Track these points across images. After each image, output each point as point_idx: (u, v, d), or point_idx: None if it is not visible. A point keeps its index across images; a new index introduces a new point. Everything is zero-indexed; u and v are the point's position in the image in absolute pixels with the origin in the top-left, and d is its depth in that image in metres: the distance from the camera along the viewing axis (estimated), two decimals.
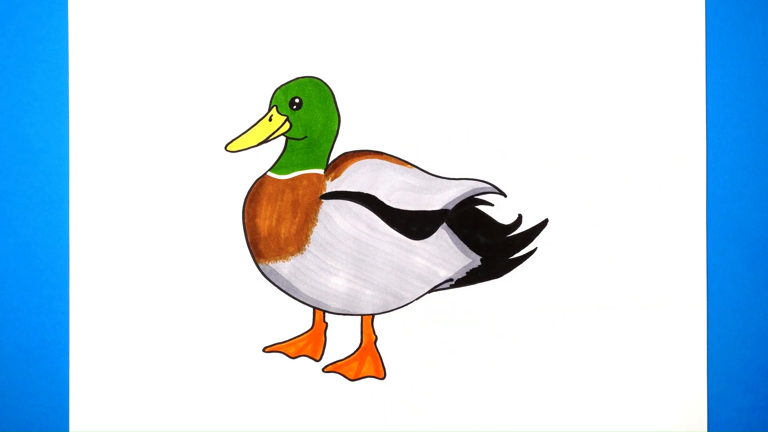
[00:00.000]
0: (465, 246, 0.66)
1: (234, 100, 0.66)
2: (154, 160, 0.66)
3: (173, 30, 0.66)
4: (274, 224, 0.65)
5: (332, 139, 0.66)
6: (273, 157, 0.66)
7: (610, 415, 0.66)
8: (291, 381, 0.66)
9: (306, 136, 0.66)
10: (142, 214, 0.66)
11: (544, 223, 0.67)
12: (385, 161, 0.66)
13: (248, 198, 0.66)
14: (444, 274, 0.66)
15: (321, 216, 0.65)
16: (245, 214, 0.66)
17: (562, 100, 0.66)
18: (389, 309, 0.66)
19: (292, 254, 0.65)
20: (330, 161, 0.66)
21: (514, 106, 0.66)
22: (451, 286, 0.66)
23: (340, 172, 0.66)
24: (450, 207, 0.66)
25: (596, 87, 0.66)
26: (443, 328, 0.67)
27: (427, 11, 0.66)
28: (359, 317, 0.67)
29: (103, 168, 0.66)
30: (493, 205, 0.66)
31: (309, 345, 0.66)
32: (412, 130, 0.66)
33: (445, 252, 0.65)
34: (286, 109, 0.66)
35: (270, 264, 0.66)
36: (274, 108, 0.66)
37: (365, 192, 0.65)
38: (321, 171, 0.66)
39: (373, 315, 0.66)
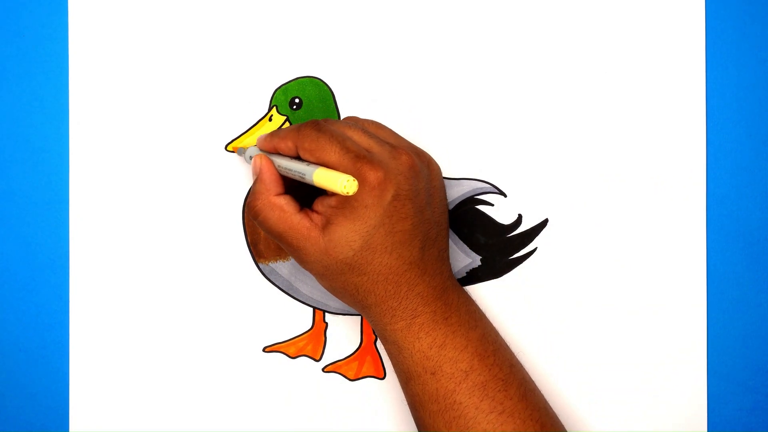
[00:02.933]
0: (465, 246, 0.66)
1: (234, 100, 0.66)
2: (154, 160, 0.66)
3: (173, 30, 0.66)
4: None
5: None
6: None
7: (610, 415, 0.66)
8: (291, 381, 0.66)
9: None
10: (142, 214, 0.66)
11: (544, 223, 0.67)
12: None
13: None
14: None
15: None
16: (245, 214, 0.66)
17: (562, 100, 0.66)
18: None
19: None
20: None
21: (514, 106, 0.66)
22: None
23: None
24: (450, 207, 0.66)
25: (596, 87, 0.66)
26: None
27: (427, 11, 0.66)
28: (359, 317, 0.67)
29: (103, 168, 0.66)
30: (493, 205, 0.66)
31: (309, 345, 0.66)
32: (412, 130, 0.66)
33: None
34: (286, 109, 0.66)
35: (270, 264, 0.66)
36: (274, 108, 0.66)
37: None
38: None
39: None
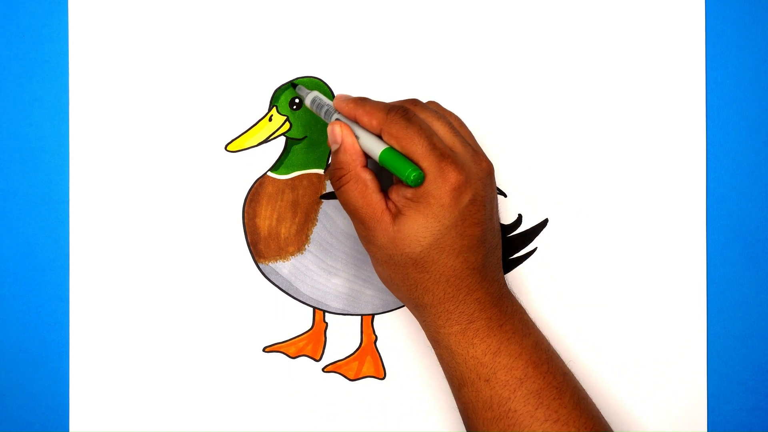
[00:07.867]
0: None
1: (234, 100, 0.66)
2: (154, 160, 0.66)
3: (173, 30, 0.66)
4: (274, 224, 0.65)
5: None
6: (273, 157, 0.66)
7: (610, 415, 0.66)
8: (291, 381, 0.66)
9: (306, 136, 0.66)
10: (142, 214, 0.66)
11: (544, 223, 0.67)
12: None
13: (248, 198, 0.66)
14: None
15: (321, 216, 0.65)
16: (245, 214, 0.66)
17: (562, 101, 0.66)
18: (389, 309, 0.66)
19: (292, 254, 0.65)
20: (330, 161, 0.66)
21: (514, 107, 0.66)
22: None
23: None
24: None
25: (596, 87, 0.66)
26: None
27: (428, 11, 0.66)
28: (359, 317, 0.67)
29: (103, 168, 0.66)
30: None
31: (309, 345, 0.66)
32: None
33: None
34: (286, 109, 0.66)
35: (270, 264, 0.66)
36: (274, 108, 0.66)
37: None
38: (321, 171, 0.66)
39: (373, 315, 0.66)
